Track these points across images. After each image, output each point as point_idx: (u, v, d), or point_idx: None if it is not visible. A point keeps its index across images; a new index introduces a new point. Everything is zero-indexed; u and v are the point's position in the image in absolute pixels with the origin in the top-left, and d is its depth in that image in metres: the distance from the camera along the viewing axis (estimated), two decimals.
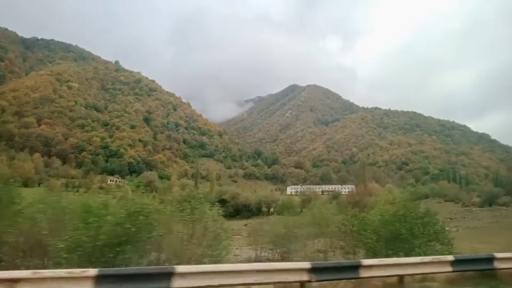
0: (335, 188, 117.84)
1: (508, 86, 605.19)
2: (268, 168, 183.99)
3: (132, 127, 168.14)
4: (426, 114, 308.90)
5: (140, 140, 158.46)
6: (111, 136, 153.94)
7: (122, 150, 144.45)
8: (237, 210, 48.77)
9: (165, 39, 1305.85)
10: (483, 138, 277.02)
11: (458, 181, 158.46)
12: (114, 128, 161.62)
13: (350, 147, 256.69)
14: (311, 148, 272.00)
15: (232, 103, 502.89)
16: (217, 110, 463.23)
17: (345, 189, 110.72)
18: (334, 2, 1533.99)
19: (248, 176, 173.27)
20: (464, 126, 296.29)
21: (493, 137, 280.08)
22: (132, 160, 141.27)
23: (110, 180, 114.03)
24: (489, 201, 72.28)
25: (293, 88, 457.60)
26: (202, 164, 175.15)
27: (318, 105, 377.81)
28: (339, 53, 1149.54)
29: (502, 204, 70.24)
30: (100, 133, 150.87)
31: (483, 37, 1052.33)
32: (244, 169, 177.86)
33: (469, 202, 79.07)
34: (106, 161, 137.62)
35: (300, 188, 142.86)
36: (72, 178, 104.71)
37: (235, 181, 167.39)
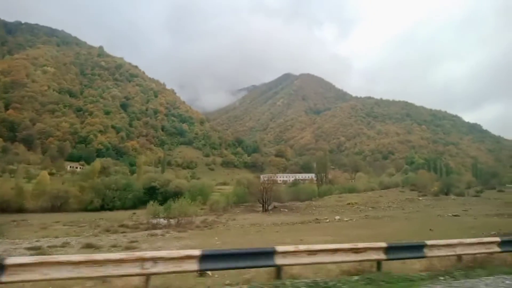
0: (303, 177, 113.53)
1: (507, 77, 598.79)
2: (248, 156, 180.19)
3: (107, 113, 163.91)
4: (420, 104, 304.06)
5: (113, 127, 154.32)
6: (82, 122, 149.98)
7: (91, 136, 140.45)
8: (166, 198, 45.09)
9: (159, 27, 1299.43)
10: (474, 129, 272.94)
11: (438, 170, 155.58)
12: (86, 114, 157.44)
13: (338, 136, 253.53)
14: (299, 137, 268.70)
15: (225, 92, 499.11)
16: (210, 98, 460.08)
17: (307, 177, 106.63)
18: None
19: (226, 164, 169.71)
20: (456, 116, 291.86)
21: (490, 129, 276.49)
22: (101, 147, 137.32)
23: (70, 167, 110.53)
24: (445, 191, 68.50)
25: (286, 77, 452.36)
26: (179, 152, 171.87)
27: (310, 94, 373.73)
28: (335, 43, 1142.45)
29: (459, 194, 66.88)
30: (71, 119, 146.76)
31: (481, 27, 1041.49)
32: (222, 157, 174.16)
33: (429, 191, 75.47)
34: (74, 147, 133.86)
35: (274, 177, 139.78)
36: (29, 164, 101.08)
37: (212, 169, 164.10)
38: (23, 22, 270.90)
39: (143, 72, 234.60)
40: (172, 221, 26.85)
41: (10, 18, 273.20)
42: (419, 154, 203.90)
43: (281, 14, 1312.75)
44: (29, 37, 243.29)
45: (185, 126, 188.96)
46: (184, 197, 33.85)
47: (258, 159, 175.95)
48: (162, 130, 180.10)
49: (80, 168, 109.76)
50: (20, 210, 47.36)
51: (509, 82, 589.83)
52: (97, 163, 68.38)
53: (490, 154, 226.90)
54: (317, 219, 31.55)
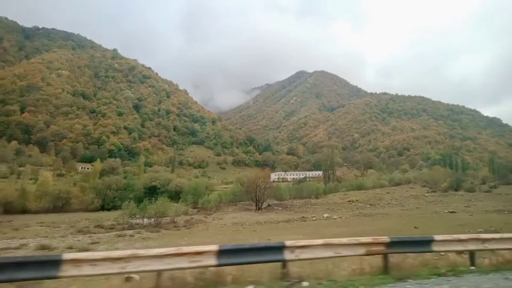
0: (313, 175, 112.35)
1: None
2: (259, 154, 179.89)
3: (119, 114, 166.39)
4: (436, 99, 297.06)
5: (125, 128, 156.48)
6: (95, 124, 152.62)
7: (104, 137, 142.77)
8: (169, 198, 45.42)
9: (173, 28, 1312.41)
10: (493, 123, 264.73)
11: (454, 166, 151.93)
12: (100, 115, 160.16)
13: (352, 133, 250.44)
14: (312, 134, 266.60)
15: (239, 91, 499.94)
16: (224, 98, 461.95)
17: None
18: None
19: (237, 163, 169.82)
20: (475, 110, 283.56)
21: (510, 123, 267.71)
22: (114, 148, 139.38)
23: (81, 168, 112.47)
24: (455, 187, 66.39)
25: (300, 75, 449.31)
26: (191, 151, 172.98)
27: (324, 91, 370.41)
28: (349, 39, 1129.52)
29: (469, 189, 64.72)
30: (84, 121, 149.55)
31: (498, 19, 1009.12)
32: (234, 156, 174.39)
33: (439, 187, 73.45)
34: (87, 148, 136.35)
35: (284, 175, 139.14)
36: (41, 166, 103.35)
37: (223, 168, 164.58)
38: (40, 27, 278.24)
39: (156, 74, 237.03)
40: (152, 221, 26.74)
41: (28, 24, 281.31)
42: (435, 150, 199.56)
43: (294, 12, 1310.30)
44: (46, 41, 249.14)
45: (196, 126, 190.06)
46: (180, 197, 33.62)
47: (269, 158, 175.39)
48: (174, 130, 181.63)
49: (88, 169, 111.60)
50: (24, 211, 48.26)
51: None
52: (98, 163, 69.18)
53: (510, 149, 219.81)
54: (303, 217, 30.91)
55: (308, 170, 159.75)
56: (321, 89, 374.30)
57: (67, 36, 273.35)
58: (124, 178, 60.98)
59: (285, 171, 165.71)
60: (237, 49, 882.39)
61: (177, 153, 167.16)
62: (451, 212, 31.31)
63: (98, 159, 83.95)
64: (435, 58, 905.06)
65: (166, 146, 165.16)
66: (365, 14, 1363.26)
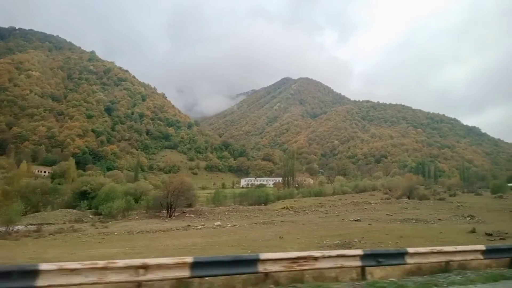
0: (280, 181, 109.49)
1: (508, 80, 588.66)
2: (234, 160, 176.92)
3: (89, 117, 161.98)
4: (417, 108, 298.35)
5: (93, 130, 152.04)
6: (61, 126, 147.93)
7: (68, 140, 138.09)
8: (98, 203, 42.22)
9: (161, 33, 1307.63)
10: (472, 132, 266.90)
11: (427, 174, 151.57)
12: (67, 118, 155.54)
13: (332, 139, 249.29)
14: (293, 140, 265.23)
15: (225, 96, 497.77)
16: (209, 103, 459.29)
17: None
18: None
19: (210, 168, 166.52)
20: (454, 119, 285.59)
21: (493, 133, 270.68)
22: (78, 151, 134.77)
23: (38, 171, 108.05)
24: (407, 194, 64.35)
25: (285, 81, 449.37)
26: (163, 156, 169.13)
27: (308, 98, 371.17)
28: (335, 47, 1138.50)
29: (422, 197, 62.66)
30: (49, 123, 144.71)
31: (482, 31, 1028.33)
32: (207, 161, 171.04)
33: (395, 194, 71.55)
34: (50, 151, 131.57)
35: (254, 180, 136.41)
36: None
37: (195, 173, 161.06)
38: (17, 27, 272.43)
39: (133, 76, 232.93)
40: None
41: (5, 24, 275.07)
42: (412, 158, 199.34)
43: (282, 19, 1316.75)
44: (21, 42, 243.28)
45: (171, 130, 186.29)
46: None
47: (243, 163, 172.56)
48: (147, 134, 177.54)
49: (49, 172, 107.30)
50: None
51: (511, 85, 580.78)
52: (24, 165, 65.31)
53: (488, 157, 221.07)
54: (188, 225, 27.98)
55: (282, 176, 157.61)
56: (305, 96, 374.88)
57: (44, 38, 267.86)
58: (52, 182, 57.42)
59: (259, 176, 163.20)
60: (224, 55, 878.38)
61: (148, 158, 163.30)
62: (356, 220, 28.67)
63: (24, 162, 79.47)
64: (420, 68, 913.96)
65: (137, 150, 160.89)
66: (352, 23, 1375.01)
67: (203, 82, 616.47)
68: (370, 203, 54.71)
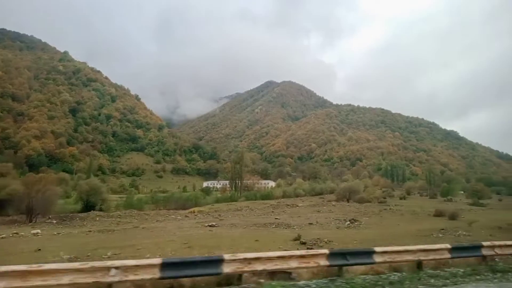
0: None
1: (492, 85, 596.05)
2: (204, 162, 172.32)
3: (50, 118, 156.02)
4: (396, 112, 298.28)
5: (52, 132, 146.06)
6: (19, 127, 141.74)
7: (24, 141, 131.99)
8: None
9: (145, 35, 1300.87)
10: (450, 136, 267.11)
11: (395, 177, 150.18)
12: (26, 118, 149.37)
13: (310, 143, 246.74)
14: (271, 143, 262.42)
15: (209, 99, 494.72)
16: (192, 105, 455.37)
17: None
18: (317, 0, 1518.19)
19: (177, 171, 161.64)
20: (433, 123, 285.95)
21: (474, 137, 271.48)
22: (33, 153, 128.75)
23: None
24: (347, 197, 60.99)
25: (268, 84, 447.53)
26: (128, 159, 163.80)
27: (290, 101, 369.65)
28: (321, 51, 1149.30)
29: (359, 200, 59.38)
30: (6, 124, 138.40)
31: (466, 36, 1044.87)
32: (175, 164, 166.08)
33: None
34: (1, 153, 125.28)
35: (216, 183, 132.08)
36: None
37: (160, 177, 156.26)
38: None
39: (106, 77, 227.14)
40: None
41: None
42: (387, 161, 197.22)
43: (268, 23, 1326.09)
44: None
45: (139, 132, 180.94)
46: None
47: (212, 166, 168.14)
48: (113, 136, 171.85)
49: None
50: None
51: (494, 90, 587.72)
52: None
53: (463, 161, 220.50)
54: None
55: (229, 179, 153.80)
56: (287, 99, 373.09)
57: (17, 37, 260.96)
58: None
59: (226, 179, 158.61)
60: (209, 57, 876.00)
61: (111, 160, 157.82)
62: (210, 226, 24.71)
63: None
64: (405, 72, 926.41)
65: (99, 152, 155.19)
66: (337, 27, 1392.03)
67: (187, 85, 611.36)
68: (297, 205, 51.06)
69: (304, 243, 15.98)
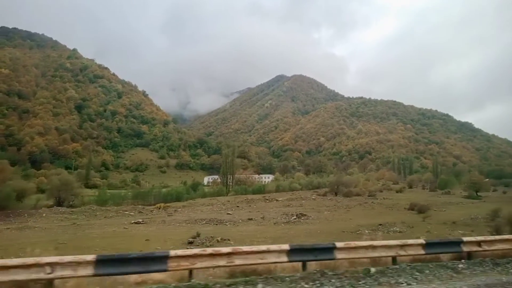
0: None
1: (507, 76, 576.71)
2: (208, 157, 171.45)
3: (55, 114, 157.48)
4: (407, 104, 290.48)
5: (56, 128, 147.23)
6: (24, 124, 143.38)
7: (27, 138, 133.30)
8: None
9: (156, 31, 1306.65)
10: (464, 127, 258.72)
11: (402, 170, 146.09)
12: (31, 115, 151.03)
13: (318, 136, 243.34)
14: (279, 138, 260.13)
15: (220, 94, 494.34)
16: (203, 101, 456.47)
17: None
18: None
19: (180, 166, 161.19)
20: (447, 115, 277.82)
21: (490, 128, 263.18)
22: (36, 149, 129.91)
23: None
24: (335, 191, 58.48)
25: (279, 78, 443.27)
26: (132, 154, 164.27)
27: (300, 95, 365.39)
28: (332, 43, 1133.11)
29: (345, 194, 57.01)
30: (11, 121, 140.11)
31: (479, 26, 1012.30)
32: (179, 159, 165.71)
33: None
34: (5, 150, 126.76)
35: (218, 178, 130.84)
36: None
37: (164, 172, 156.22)
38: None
39: (113, 74, 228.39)
40: None
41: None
42: (397, 154, 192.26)
43: (279, 16, 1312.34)
44: (1, 39, 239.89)
45: (144, 128, 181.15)
46: None
47: (216, 161, 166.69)
48: (118, 132, 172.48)
49: None
50: None
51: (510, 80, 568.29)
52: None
53: (477, 153, 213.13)
54: None
55: (256, 173, 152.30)
56: (297, 93, 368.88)
57: (28, 36, 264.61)
58: None
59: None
60: (220, 52, 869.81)
61: (116, 156, 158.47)
62: (136, 223, 22.97)
63: None
64: (419, 63, 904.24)
65: (104, 148, 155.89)
66: (349, 19, 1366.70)
67: (198, 80, 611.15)
68: (276, 200, 49.05)
69: (191, 243, 13.97)
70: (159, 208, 39.89)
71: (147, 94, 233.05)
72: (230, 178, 79.33)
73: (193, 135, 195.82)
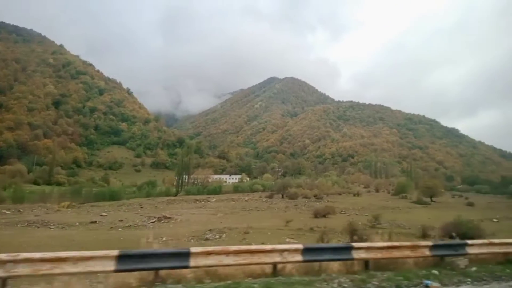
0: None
1: (500, 84, 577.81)
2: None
3: (30, 109, 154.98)
4: (396, 109, 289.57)
5: (29, 124, 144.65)
6: None
7: None
8: None
9: (150, 30, 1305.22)
10: (450, 133, 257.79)
11: (378, 174, 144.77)
12: (3, 110, 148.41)
13: (304, 139, 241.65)
14: (266, 139, 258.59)
15: (211, 95, 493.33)
16: (195, 101, 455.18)
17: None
18: None
19: (156, 165, 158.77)
20: (434, 120, 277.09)
21: (484, 136, 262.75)
22: (3, 144, 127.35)
23: None
24: (282, 192, 56.60)
25: (271, 81, 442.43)
26: (108, 152, 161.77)
27: (290, 97, 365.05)
28: (326, 48, 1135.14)
29: (291, 196, 55.22)
30: None
31: (475, 32, 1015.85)
32: (155, 158, 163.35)
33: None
34: None
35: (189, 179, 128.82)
36: None
37: (138, 171, 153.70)
38: None
39: (97, 71, 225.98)
40: None
41: None
42: (379, 158, 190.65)
43: (273, 18, 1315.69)
44: None
45: (123, 126, 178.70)
46: None
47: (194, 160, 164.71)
48: (95, 129, 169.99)
49: None
50: None
51: (503, 88, 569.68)
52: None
53: (460, 159, 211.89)
54: None
55: (234, 174, 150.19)
56: (287, 95, 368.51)
57: (14, 30, 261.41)
58: None
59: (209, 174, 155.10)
60: (214, 53, 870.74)
61: (90, 153, 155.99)
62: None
63: None
64: (412, 70, 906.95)
65: (78, 145, 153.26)
66: (344, 24, 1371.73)
67: (190, 80, 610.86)
68: (208, 201, 47.16)
69: None
70: (64, 207, 37.77)
71: (131, 92, 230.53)
72: (185, 178, 77.16)
73: (173, 134, 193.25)
